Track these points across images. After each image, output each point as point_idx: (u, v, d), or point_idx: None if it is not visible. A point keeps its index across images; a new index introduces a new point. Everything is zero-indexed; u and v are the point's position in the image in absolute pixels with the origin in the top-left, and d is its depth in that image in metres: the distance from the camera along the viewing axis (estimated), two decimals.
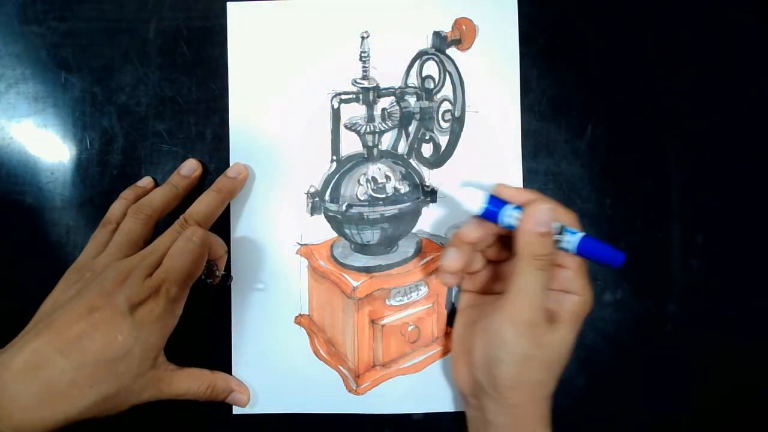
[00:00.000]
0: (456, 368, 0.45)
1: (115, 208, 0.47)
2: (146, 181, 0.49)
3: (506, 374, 0.40)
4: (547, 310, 0.40)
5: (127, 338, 0.39)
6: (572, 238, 0.39)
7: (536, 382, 0.40)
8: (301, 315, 0.48)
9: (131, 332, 0.39)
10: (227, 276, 0.47)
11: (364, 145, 0.49)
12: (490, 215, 0.41)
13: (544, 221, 0.39)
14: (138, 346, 0.39)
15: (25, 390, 0.36)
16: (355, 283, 0.47)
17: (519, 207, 0.41)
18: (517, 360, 0.39)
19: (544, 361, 0.40)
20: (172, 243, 0.42)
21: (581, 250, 0.39)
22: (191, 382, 0.44)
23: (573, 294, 0.41)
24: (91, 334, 0.38)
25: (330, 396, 0.48)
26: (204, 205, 0.46)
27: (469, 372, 0.43)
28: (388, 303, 0.48)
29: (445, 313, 0.49)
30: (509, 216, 0.41)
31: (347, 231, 0.48)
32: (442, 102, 0.49)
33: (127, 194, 0.48)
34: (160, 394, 0.42)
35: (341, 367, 0.48)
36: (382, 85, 0.49)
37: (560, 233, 0.40)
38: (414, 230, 0.49)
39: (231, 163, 0.49)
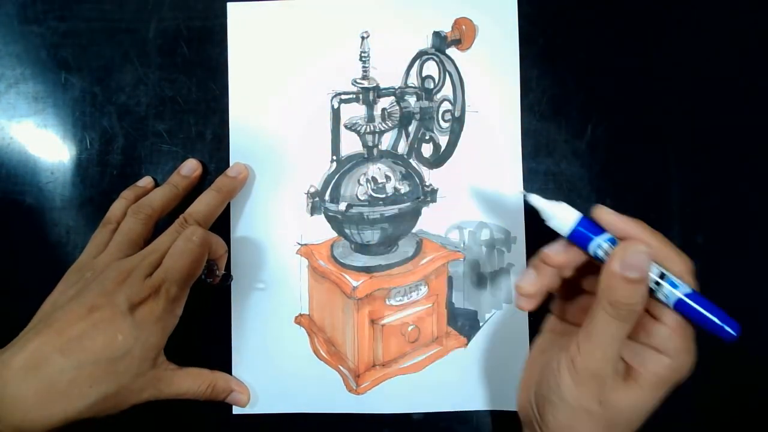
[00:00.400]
0: (519, 391, 0.40)
1: (115, 207, 0.47)
2: (146, 181, 0.49)
3: (554, 421, 0.35)
4: (625, 365, 0.35)
5: (128, 338, 0.39)
6: (672, 291, 0.33)
7: None
8: (301, 315, 0.49)
9: (131, 332, 0.39)
10: (227, 275, 0.47)
11: (364, 145, 0.49)
12: (579, 239, 0.35)
13: (635, 265, 0.33)
14: (138, 345, 0.39)
15: (26, 389, 0.37)
16: (355, 283, 0.47)
17: (614, 239, 0.34)
18: (571, 410, 0.35)
19: (603, 420, 0.34)
20: (172, 242, 0.42)
21: (680, 309, 0.33)
22: (191, 381, 0.44)
23: (663, 354, 0.34)
24: (91, 333, 0.38)
25: (330, 396, 0.48)
26: (204, 204, 0.46)
27: (527, 399, 0.38)
28: (388, 303, 0.48)
29: (445, 312, 0.49)
30: (599, 247, 0.34)
31: (347, 231, 0.48)
32: (442, 102, 0.49)
33: (127, 194, 0.48)
34: (160, 394, 0.42)
35: (341, 367, 0.48)
36: (382, 85, 0.49)
37: (660, 281, 0.33)
38: (414, 230, 0.49)
39: (231, 163, 0.49)
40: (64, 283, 0.43)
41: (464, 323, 0.48)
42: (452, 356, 0.48)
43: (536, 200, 0.37)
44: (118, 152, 0.50)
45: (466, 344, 0.48)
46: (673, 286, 0.33)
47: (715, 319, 0.32)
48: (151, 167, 0.50)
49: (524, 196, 0.38)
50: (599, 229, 0.35)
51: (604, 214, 0.35)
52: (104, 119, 0.50)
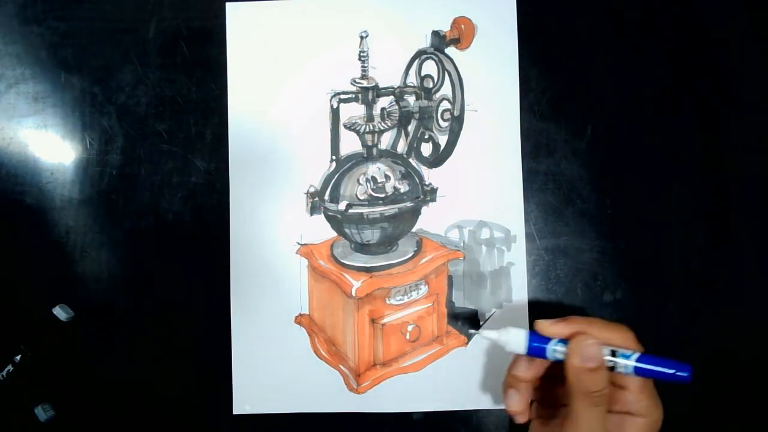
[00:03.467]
0: None
1: None
2: None
3: None
4: None
5: None
6: (627, 362, 0.37)
7: None
8: (301, 315, 0.48)
9: None
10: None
11: (364, 144, 0.49)
12: (537, 352, 0.40)
13: (591, 356, 0.37)
14: None
15: None
16: (355, 283, 0.47)
17: (563, 340, 0.39)
18: None
19: None
20: None
21: (639, 372, 0.37)
22: None
23: (637, 416, 0.38)
24: None
25: (330, 395, 0.48)
26: None
27: None
28: (388, 302, 0.48)
29: (445, 312, 0.49)
30: (555, 351, 0.39)
31: (347, 230, 0.48)
32: (441, 101, 0.49)
33: None
34: None
35: (342, 366, 0.48)
36: (381, 85, 0.49)
37: (613, 358, 0.38)
38: (414, 229, 0.49)
39: (230, 163, 0.49)
40: None
41: (464, 322, 0.48)
42: (452, 355, 0.48)
43: (488, 335, 0.41)
44: (117, 152, 0.50)
45: (466, 343, 0.48)
46: (625, 357, 0.37)
47: (670, 371, 0.36)
48: (151, 167, 0.50)
49: (478, 335, 0.43)
50: (547, 338, 0.39)
51: (544, 327, 0.40)
52: (104, 119, 0.50)
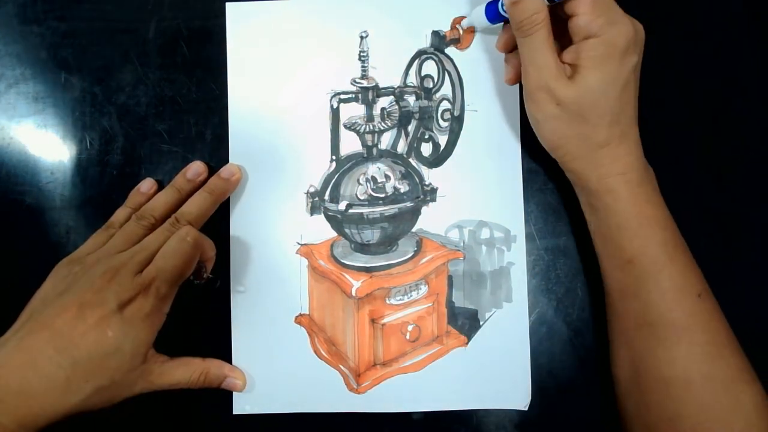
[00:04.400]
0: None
1: (120, 214, 0.47)
2: (148, 185, 0.49)
3: (542, 134, 0.43)
4: (567, 66, 0.40)
5: (117, 334, 0.39)
6: None
7: (575, 135, 0.41)
8: (301, 315, 0.49)
9: (121, 328, 0.39)
10: (214, 279, 0.47)
11: (364, 144, 0.49)
12: (493, 16, 0.44)
13: None
14: (128, 342, 0.40)
15: (27, 386, 0.38)
16: (355, 283, 0.47)
17: None
18: (543, 120, 0.41)
19: (569, 115, 0.40)
20: (163, 241, 0.42)
21: None
22: (183, 371, 0.44)
23: (592, 38, 0.39)
24: (82, 330, 0.39)
25: (331, 395, 0.48)
26: (196, 206, 0.46)
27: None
28: (388, 302, 0.48)
29: (445, 311, 0.49)
30: (501, 5, 0.42)
31: (347, 230, 0.48)
32: (441, 101, 0.49)
33: (132, 203, 0.48)
34: (152, 386, 0.43)
35: (342, 366, 0.48)
36: (381, 85, 0.49)
37: None
38: (414, 229, 0.49)
39: (230, 163, 0.49)
40: (53, 277, 0.44)
41: (464, 322, 0.48)
42: (452, 355, 0.48)
43: (464, 22, 0.47)
44: (118, 152, 0.50)
45: (467, 343, 0.48)
46: None
47: None
48: (151, 167, 0.50)
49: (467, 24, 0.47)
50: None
51: None
52: (104, 119, 0.50)
